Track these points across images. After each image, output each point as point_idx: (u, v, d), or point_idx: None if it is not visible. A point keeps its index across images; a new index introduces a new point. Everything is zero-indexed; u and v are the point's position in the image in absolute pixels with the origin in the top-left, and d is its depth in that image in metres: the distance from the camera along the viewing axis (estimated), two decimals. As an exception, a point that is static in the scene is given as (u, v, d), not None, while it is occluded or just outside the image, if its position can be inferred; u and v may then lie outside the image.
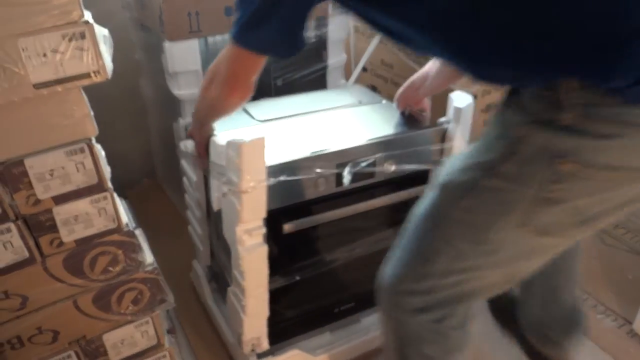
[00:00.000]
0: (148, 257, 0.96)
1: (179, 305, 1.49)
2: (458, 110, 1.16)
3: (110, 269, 0.90)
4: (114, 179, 1.97)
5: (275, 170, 1.01)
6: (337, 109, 1.31)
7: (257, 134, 0.94)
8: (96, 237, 0.87)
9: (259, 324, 1.16)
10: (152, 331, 1.01)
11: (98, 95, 1.93)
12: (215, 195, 1.10)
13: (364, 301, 1.36)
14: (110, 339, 0.97)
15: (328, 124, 1.24)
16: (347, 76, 1.75)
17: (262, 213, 1.02)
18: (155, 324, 1.01)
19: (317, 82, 1.63)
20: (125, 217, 0.92)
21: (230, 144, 0.97)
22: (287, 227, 1.07)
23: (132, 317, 0.97)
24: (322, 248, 1.20)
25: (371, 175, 1.14)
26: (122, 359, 1.00)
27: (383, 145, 1.12)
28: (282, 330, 1.26)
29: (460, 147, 1.20)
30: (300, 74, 1.61)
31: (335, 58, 1.63)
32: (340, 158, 1.08)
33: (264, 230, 1.04)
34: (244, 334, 1.16)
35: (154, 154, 2.06)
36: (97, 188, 0.84)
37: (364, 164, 1.09)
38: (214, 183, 1.10)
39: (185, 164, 1.34)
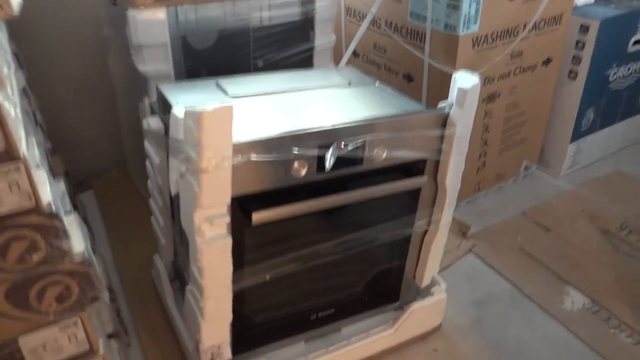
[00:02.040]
0: (77, 245, 0.80)
1: (136, 306, 1.33)
2: (462, 92, 1.00)
3: (28, 257, 0.73)
4: (81, 168, 1.81)
5: (243, 148, 0.85)
6: (323, 89, 1.15)
7: (222, 102, 0.78)
8: (7, 218, 0.70)
9: (219, 330, 0.99)
10: (82, 335, 0.84)
11: (65, 74, 1.80)
12: (173, 176, 0.94)
13: (346, 308, 1.19)
14: (28, 342, 0.80)
15: (312, 103, 1.08)
16: (337, 61, 1.60)
17: (226, 198, 0.86)
18: (86, 326, 0.84)
19: (303, 65, 1.48)
20: (48, 195, 0.75)
21: (188, 113, 0.80)
22: (257, 217, 0.90)
23: (56, 316, 0.80)
24: (298, 244, 1.03)
25: (359, 162, 0.98)
26: (46, 368, 0.83)
27: (374, 127, 0.96)
28: (248, 337, 1.09)
29: (462, 135, 1.04)
30: (284, 54, 1.46)
31: (323, 39, 1.48)
32: (323, 139, 0.92)
33: (227, 219, 0.88)
34: (201, 341, 0.99)
35: (123, 141, 1.89)
36: (5, 155, 0.67)
37: (350, 147, 0.93)
38: (172, 163, 0.94)
39: (148, 145, 1.17)
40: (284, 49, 1.44)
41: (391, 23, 1.55)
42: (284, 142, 0.88)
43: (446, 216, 1.15)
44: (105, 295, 0.84)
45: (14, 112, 0.69)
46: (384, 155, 1.00)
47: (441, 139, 1.04)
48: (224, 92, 1.10)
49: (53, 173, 1.00)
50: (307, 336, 1.18)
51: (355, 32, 1.58)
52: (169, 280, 1.26)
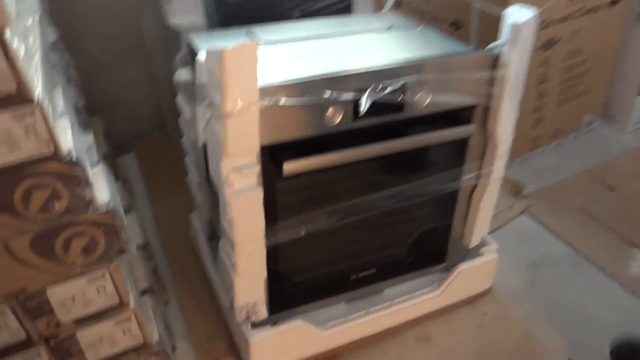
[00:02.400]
0: (102, 196, 0.76)
1: (175, 265, 1.31)
2: (515, 28, 0.89)
3: (50, 206, 0.70)
4: (122, 131, 1.80)
5: (272, 92, 0.79)
6: (361, 34, 1.07)
7: (246, 40, 0.72)
8: (27, 165, 0.67)
9: (254, 287, 0.95)
10: (111, 287, 0.82)
11: (101, 35, 1.78)
12: (200, 125, 0.89)
13: (388, 268, 1.13)
14: (56, 294, 0.78)
15: (348, 47, 1.00)
16: (379, 11, 1.50)
17: (255, 145, 0.80)
18: (114, 279, 0.81)
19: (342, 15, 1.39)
20: (68, 143, 0.71)
21: (210, 53, 0.74)
22: (288, 167, 0.84)
23: (83, 268, 0.78)
24: (335, 198, 0.97)
25: (399, 108, 0.90)
26: (74, 319, 0.81)
27: (415, 68, 0.87)
28: (285, 297, 1.05)
29: (516, 77, 0.94)
30: (321, 4, 1.37)
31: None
32: (359, 81, 0.84)
33: (257, 169, 0.82)
34: (235, 298, 0.95)
35: (162, 102, 1.87)
36: (17, 97, 0.63)
37: (388, 90, 0.85)
38: (199, 111, 0.88)
39: (180, 98, 1.12)
40: (320, -1, 1.36)
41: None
42: (315, 85, 0.81)
43: (497, 170, 1.05)
44: (133, 248, 0.81)
45: (24, 51, 0.65)
46: (427, 101, 0.91)
47: (491, 82, 0.94)
48: (255, 37, 1.03)
49: (83, 127, 0.98)
50: (347, 297, 1.13)
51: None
52: (206, 239, 1.23)
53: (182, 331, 1.14)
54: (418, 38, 1.05)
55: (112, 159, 1.46)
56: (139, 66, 1.83)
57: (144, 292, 1.01)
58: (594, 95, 1.68)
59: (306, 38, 1.03)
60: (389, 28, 1.10)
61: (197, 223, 1.27)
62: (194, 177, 1.18)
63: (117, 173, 1.48)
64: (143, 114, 1.92)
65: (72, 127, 0.80)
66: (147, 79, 1.85)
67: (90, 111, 1.70)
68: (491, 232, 1.39)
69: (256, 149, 0.80)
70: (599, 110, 1.75)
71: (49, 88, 0.82)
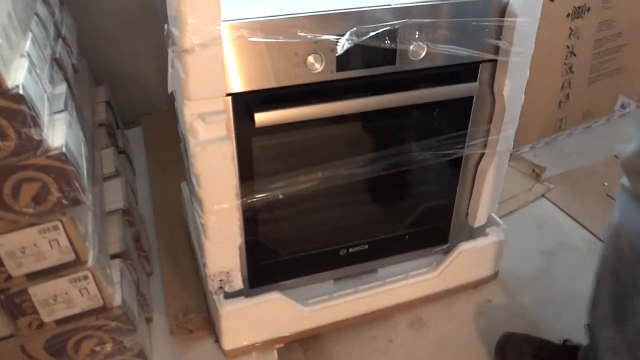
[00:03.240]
0: (56, 139, 0.71)
1: (163, 238, 1.25)
2: (526, -30, 0.79)
3: (-5, 144, 0.65)
4: (133, 106, 1.76)
5: (241, 29, 0.71)
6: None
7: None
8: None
9: (227, 254, 0.88)
10: (65, 241, 0.75)
11: (112, 9, 1.74)
12: (169, 71, 0.82)
13: (382, 245, 1.04)
14: (4, 244, 0.72)
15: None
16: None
17: (219, 89, 0.72)
18: (68, 233, 0.75)
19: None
20: (17, 79, 0.66)
21: (170, -20, 0.67)
22: (261, 118, 0.76)
23: (33, 218, 0.72)
24: (317, 160, 0.88)
25: (390, 60, 0.80)
26: (25, 273, 0.76)
27: (408, 12, 0.78)
28: (267, 271, 0.97)
29: (526, 28, 0.83)
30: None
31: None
32: (342, 24, 0.75)
33: (224, 117, 0.75)
34: (207, 265, 0.88)
35: (173, 76, 1.82)
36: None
37: (373, 34, 0.75)
38: (169, 57, 0.81)
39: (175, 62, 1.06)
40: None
41: None
42: (289, 24, 0.73)
43: (505, 138, 0.94)
44: (88, 199, 0.75)
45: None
46: (423, 53, 0.81)
47: (498, 33, 0.84)
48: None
49: (55, 79, 0.93)
50: (336, 274, 1.04)
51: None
52: (191, 206, 1.17)
53: (161, 304, 1.08)
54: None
55: (111, 127, 1.41)
56: (151, 41, 1.79)
57: (114, 256, 0.95)
58: (630, 74, 1.53)
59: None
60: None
61: (186, 191, 1.20)
62: (183, 142, 1.12)
63: (116, 143, 1.43)
64: (153, 89, 1.88)
65: (32, 71, 0.75)
66: (158, 53, 1.81)
67: (97, 81, 1.68)
68: (505, 215, 1.28)
69: (222, 92, 0.73)
70: (636, 91, 1.60)
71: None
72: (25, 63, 0.75)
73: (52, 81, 0.90)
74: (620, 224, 0.76)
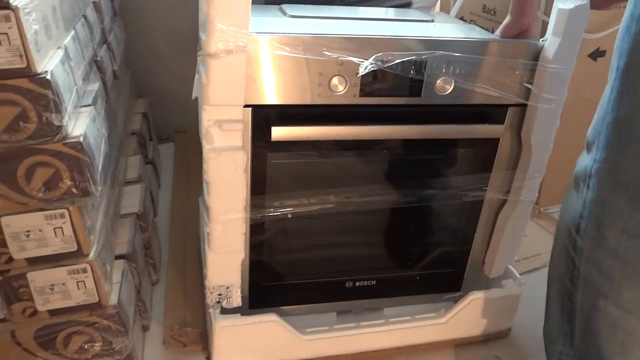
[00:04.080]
0: (76, 129, 0.73)
1: (175, 249, 1.24)
2: (562, 14, 0.78)
3: (16, 126, 0.67)
4: (170, 122, 1.82)
5: (268, 41, 0.71)
6: (398, 22, 0.98)
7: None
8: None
9: (230, 268, 0.86)
10: (70, 231, 0.76)
11: (162, 26, 1.82)
12: (195, 77, 0.83)
13: (391, 283, 1.00)
14: (10, 224, 0.73)
15: (379, 29, 0.92)
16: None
17: (239, 97, 0.73)
18: (74, 222, 0.75)
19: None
20: (49, 65, 0.69)
21: (205, -13, 0.69)
22: (277, 132, 0.76)
23: (42, 202, 0.73)
24: (332, 183, 0.87)
25: (415, 91, 0.80)
26: (26, 257, 0.76)
27: (441, 45, 0.77)
28: (269, 293, 0.95)
29: (559, 75, 0.81)
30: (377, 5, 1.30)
31: (423, -7, 1.30)
32: (373, 49, 0.75)
33: (240, 126, 0.75)
34: (208, 277, 0.86)
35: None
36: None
37: (398, 61, 0.75)
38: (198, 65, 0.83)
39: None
40: (375, 1, 1.29)
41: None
42: (316, 42, 0.73)
43: (529, 187, 0.91)
44: (96, 190, 0.75)
45: None
46: (451, 88, 0.80)
47: (531, 77, 0.82)
48: (283, 13, 0.98)
49: (89, 79, 0.96)
50: (340, 307, 1.01)
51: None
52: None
53: (161, 314, 1.06)
54: (458, 30, 0.95)
55: (142, 137, 1.44)
56: (196, 62, 1.85)
57: (120, 257, 0.94)
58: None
59: (339, 17, 0.96)
60: (433, 21, 1.01)
61: (202, 204, 1.20)
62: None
63: (146, 153, 1.46)
64: (191, 109, 1.92)
65: (65, 62, 0.78)
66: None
67: (139, 94, 1.73)
68: (526, 272, 1.23)
69: (241, 102, 0.73)
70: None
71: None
72: (60, 54, 0.77)
73: (86, 78, 0.93)
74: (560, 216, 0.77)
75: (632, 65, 0.61)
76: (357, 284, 0.98)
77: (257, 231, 0.87)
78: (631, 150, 0.61)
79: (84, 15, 1.03)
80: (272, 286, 0.95)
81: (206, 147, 0.75)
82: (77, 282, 0.80)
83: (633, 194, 0.62)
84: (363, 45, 0.75)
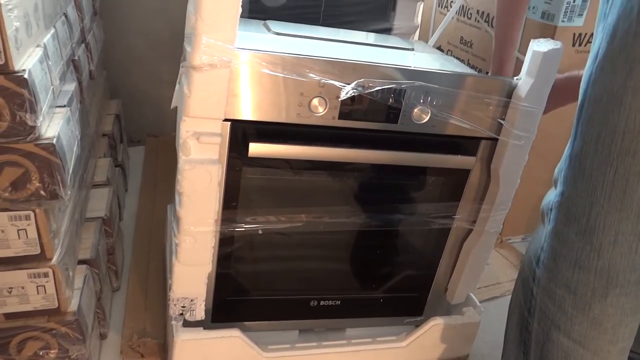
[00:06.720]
0: (50, 130, 0.72)
1: (139, 256, 1.22)
2: (536, 56, 0.81)
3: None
4: (142, 125, 1.80)
5: (252, 58, 0.72)
6: (379, 48, 1.00)
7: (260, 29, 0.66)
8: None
9: (196, 280, 0.85)
10: (34, 233, 0.74)
11: (144, 30, 1.80)
12: (176, 87, 0.83)
13: (355, 305, 1.01)
14: (-28, 222, 0.71)
15: (359, 53, 0.94)
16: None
17: (219, 111, 0.73)
18: (39, 225, 0.74)
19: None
20: (25, 64, 0.68)
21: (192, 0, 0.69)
22: (254, 149, 0.77)
23: (7, 202, 0.71)
24: (304, 202, 0.88)
25: (393, 118, 0.81)
26: (-15, 259, 0.74)
27: (421, 75, 0.79)
28: (233, 308, 0.94)
29: (530, 114, 0.84)
30: (360, 18, 1.32)
31: (403, 22, 1.33)
32: (355, 74, 0.76)
33: (218, 140, 0.75)
34: (172, 288, 0.85)
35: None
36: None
37: (381, 87, 0.77)
38: (180, 76, 0.83)
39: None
40: (357, 24, 1.32)
41: (482, 12, 1.38)
42: (299, 63, 0.74)
43: (495, 219, 0.94)
44: (66, 194, 0.74)
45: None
46: (427, 118, 0.82)
47: (503, 113, 0.85)
48: (268, 29, 0.99)
49: (66, 78, 0.94)
50: (303, 325, 1.01)
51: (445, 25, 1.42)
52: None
53: (120, 322, 1.04)
54: (437, 60, 0.98)
55: (113, 139, 1.42)
56: (174, 66, 1.83)
57: (82, 262, 0.92)
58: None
59: (322, 38, 0.98)
60: (413, 49, 1.03)
61: (170, 213, 1.19)
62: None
63: (115, 156, 1.44)
64: (166, 114, 1.90)
65: (43, 61, 0.77)
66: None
67: (113, 94, 1.71)
68: (486, 300, 1.25)
69: (221, 116, 0.73)
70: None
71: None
72: (39, 52, 0.76)
73: (63, 78, 0.91)
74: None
75: (585, 108, 0.64)
76: (322, 303, 0.99)
77: (226, 244, 0.86)
78: (582, 185, 0.64)
79: (64, 13, 1.01)
80: (236, 301, 0.94)
81: (182, 158, 0.75)
82: (37, 287, 0.78)
83: (584, 227, 0.64)
84: (346, 69, 0.76)
